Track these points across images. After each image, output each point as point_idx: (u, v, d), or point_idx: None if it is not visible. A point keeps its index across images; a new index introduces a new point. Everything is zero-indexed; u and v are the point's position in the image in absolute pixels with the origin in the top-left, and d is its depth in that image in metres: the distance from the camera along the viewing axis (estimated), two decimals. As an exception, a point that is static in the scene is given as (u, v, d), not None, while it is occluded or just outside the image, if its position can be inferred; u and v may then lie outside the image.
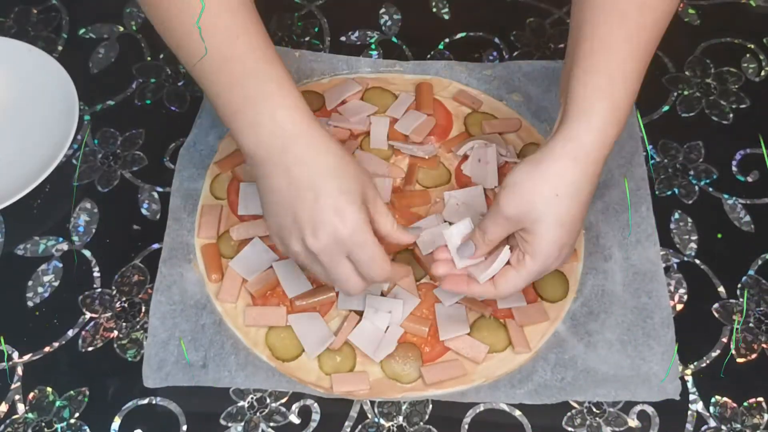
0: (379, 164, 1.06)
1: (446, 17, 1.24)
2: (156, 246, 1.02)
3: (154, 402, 0.92)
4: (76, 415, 0.91)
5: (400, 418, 0.91)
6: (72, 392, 0.92)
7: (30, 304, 0.98)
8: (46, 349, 0.95)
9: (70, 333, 0.96)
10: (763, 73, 1.17)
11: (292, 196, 0.78)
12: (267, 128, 0.78)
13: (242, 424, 0.90)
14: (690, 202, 1.06)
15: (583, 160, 0.78)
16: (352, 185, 0.78)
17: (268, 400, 0.92)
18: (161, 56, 1.19)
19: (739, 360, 0.94)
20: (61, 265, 1.01)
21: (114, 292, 0.99)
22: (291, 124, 0.78)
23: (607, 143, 0.79)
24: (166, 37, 0.84)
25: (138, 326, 0.97)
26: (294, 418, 0.91)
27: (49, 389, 0.93)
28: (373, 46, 1.20)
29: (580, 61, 0.80)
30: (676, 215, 1.05)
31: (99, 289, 0.99)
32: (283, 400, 0.92)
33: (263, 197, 0.81)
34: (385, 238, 0.82)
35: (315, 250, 0.78)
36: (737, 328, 0.95)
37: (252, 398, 0.92)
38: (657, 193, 1.06)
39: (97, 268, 1.01)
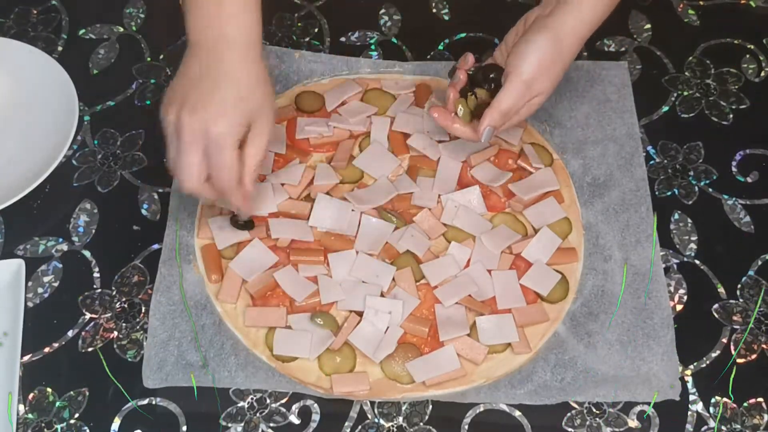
0: (389, 161, 1.06)
1: (446, 18, 1.24)
2: (156, 246, 1.02)
3: (154, 402, 0.92)
4: (76, 415, 0.91)
5: (400, 419, 0.91)
6: (72, 393, 0.92)
7: (30, 304, 0.98)
8: (46, 349, 0.95)
9: (70, 333, 0.96)
10: (762, 73, 1.17)
11: (196, 80, 0.85)
12: (213, 23, 0.85)
13: (242, 424, 0.90)
14: (690, 202, 1.06)
15: (582, 37, 0.92)
16: (246, 105, 0.85)
17: (268, 401, 0.92)
18: (161, 57, 1.19)
19: (739, 360, 0.94)
20: (60, 265, 1.01)
21: (114, 293, 0.99)
22: (235, 32, 0.85)
23: (598, 21, 0.92)
24: None
25: (138, 327, 0.97)
26: (294, 419, 0.91)
27: (49, 390, 0.93)
28: (372, 47, 1.20)
29: None
30: (676, 216, 1.05)
31: (99, 290, 0.99)
32: (283, 401, 0.92)
33: (179, 71, 0.87)
34: (243, 166, 0.87)
35: (182, 123, 0.83)
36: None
37: (252, 399, 0.92)
38: (657, 193, 1.06)
39: (97, 269, 1.01)
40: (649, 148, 1.10)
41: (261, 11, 0.87)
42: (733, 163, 1.09)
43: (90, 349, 0.95)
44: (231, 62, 0.85)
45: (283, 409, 0.91)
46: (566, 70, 0.93)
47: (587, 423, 0.90)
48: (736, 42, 1.20)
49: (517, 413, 0.91)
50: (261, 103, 0.86)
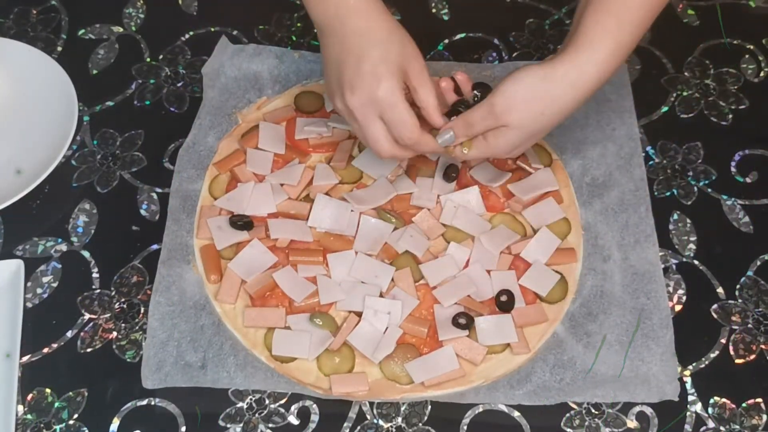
0: (388, 161, 1.06)
1: (446, 18, 1.24)
2: (155, 247, 1.02)
3: (153, 403, 0.92)
4: (75, 416, 0.91)
5: (399, 419, 0.91)
6: (71, 393, 0.92)
7: (29, 305, 0.98)
8: (45, 350, 0.95)
9: (69, 334, 0.96)
10: (762, 74, 1.17)
11: (341, 60, 0.88)
12: (333, 1, 0.88)
13: (241, 425, 0.90)
14: (689, 202, 1.06)
15: (579, 88, 0.86)
16: (394, 56, 0.88)
17: (267, 401, 0.92)
18: (160, 57, 1.19)
19: (738, 361, 0.94)
20: (60, 266, 1.01)
21: (113, 293, 0.99)
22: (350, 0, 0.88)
23: (602, 79, 0.87)
24: None
25: (137, 327, 0.97)
26: (293, 419, 0.91)
27: (48, 390, 0.93)
28: (372, 47, 1.20)
29: (596, 1, 0.86)
30: (675, 216, 1.05)
31: (98, 290, 0.99)
32: (282, 401, 0.92)
33: (323, 60, 0.92)
34: (421, 110, 0.91)
35: (351, 106, 0.88)
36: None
37: (251, 399, 0.92)
38: (656, 193, 1.06)
39: (96, 269, 1.01)
40: (649, 148, 1.10)
41: None
42: (732, 164, 1.09)
43: (89, 350, 0.95)
44: (359, 28, 0.88)
45: (282, 410, 0.91)
46: (560, 116, 0.88)
47: (586, 423, 0.90)
48: (735, 42, 1.20)
49: (516, 414, 0.91)
50: (403, 46, 0.89)
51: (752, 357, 0.95)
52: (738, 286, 0.99)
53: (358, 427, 0.90)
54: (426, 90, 0.89)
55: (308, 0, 0.90)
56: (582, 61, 0.85)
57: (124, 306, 0.98)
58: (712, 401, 0.92)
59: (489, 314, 0.95)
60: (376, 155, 0.92)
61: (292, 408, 0.92)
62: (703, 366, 0.94)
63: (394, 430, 0.90)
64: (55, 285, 1.00)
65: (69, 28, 1.23)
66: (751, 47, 1.19)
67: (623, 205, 1.03)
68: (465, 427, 0.90)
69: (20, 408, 0.91)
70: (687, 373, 0.94)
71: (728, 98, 1.14)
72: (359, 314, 0.95)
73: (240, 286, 0.97)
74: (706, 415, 0.91)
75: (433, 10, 1.25)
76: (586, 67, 0.85)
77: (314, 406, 0.92)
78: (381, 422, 0.91)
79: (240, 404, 0.92)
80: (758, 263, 1.01)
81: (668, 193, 1.07)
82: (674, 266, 1.01)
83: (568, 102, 0.87)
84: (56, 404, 0.92)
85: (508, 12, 1.24)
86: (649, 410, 0.91)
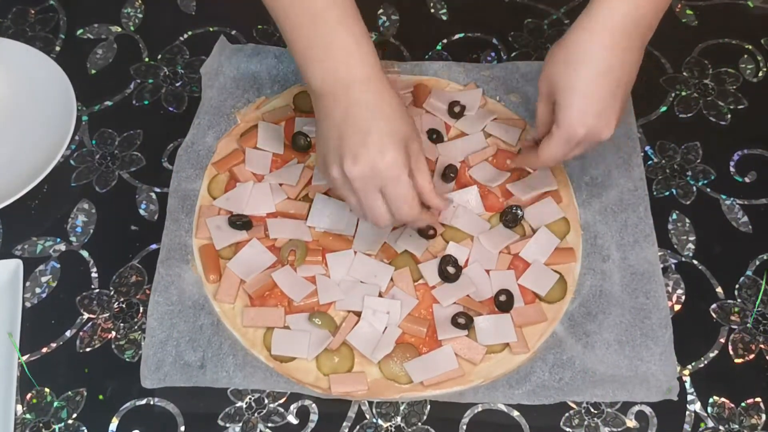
0: None
1: (444, 18, 1.24)
2: (154, 246, 1.02)
3: (152, 403, 0.92)
4: (74, 415, 0.91)
5: (398, 419, 0.91)
6: (70, 393, 0.92)
7: (28, 304, 0.98)
8: (44, 349, 0.95)
9: (68, 334, 0.96)
10: (760, 73, 1.17)
11: (343, 129, 0.83)
12: (334, 68, 0.84)
13: (240, 424, 0.90)
14: (688, 202, 1.06)
15: (592, 30, 0.85)
16: (399, 133, 0.84)
17: (266, 401, 0.92)
18: (159, 57, 1.19)
19: (737, 360, 0.94)
20: (58, 265, 1.01)
21: (112, 293, 0.99)
22: (358, 69, 0.84)
23: (623, 17, 0.84)
24: None
25: (136, 327, 0.97)
26: (292, 419, 0.91)
27: (47, 390, 0.92)
28: (371, 47, 1.20)
29: None
30: (674, 216, 1.05)
31: (97, 290, 0.99)
32: (282, 401, 0.92)
33: (319, 125, 0.87)
34: (420, 194, 0.87)
35: (351, 176, 0.83)
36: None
37: (250, 399, 0.92)
38: (655, 193, 1.06)
39: (95, 269, 1.01)
40: (647, 148, 1.10)
41: (369, 36, 0.86)
42: (731, 164, 1.09)
43: (88, 350, 0.95)
44: (366, 99, 0.84)
45: (281, 410, 0.91)
46: (595, 60, 0.85)
47: (585, 423, 0.90)
48: (734, 42, 1.20)
49: (515, 413, 0.91)
50: (409, 126, 0.86)
51: (751, 356, 0.95)
52: (737, 286, 0.99)
53: (358, 427, 0.90)
54: (423, 175, 0.86)
55: (306, 63, 0.85)
56: (590, 7, 0.85)
57: (123, 306, 0.98)
58: (711, 401, 0.92)
59: (488, 314, 0.95)
60: (374, 224, 0.88)
61: (292, 407, 0.92)
62: (702, 365, 0.94)
63: (393, 429, 0.90)
64: (53, 285, 1.00)
65: (67, 27, 1.23)
66: (750, 47, 1.19)
67: (622, 204, 1.03)
68: (464, 427, 0.90)
69: (19, 407, 0.91)
70: (686, 372, 0.94)
71: (727, 98, 1.15)
72: (358, 314, 0.95)
73: (239, 285, 0.97)
74: (705, 414, 0.91)
75: (432, 10, 1.25)
76: (594, 10, 0.84)
77: (313, 405, 0.92)
78: (380, 422, 0.91)
79: (239, 404, 0.92)
80: (757, 263, 1.01)
81: (667, 193, 1.07)
82: (673, 266, 1.01)
83: (587, 45, 0.85)
84: (55, 404, 0.92)
85: (507, 12, 1.24)
86: (648, 410, 0.91)
